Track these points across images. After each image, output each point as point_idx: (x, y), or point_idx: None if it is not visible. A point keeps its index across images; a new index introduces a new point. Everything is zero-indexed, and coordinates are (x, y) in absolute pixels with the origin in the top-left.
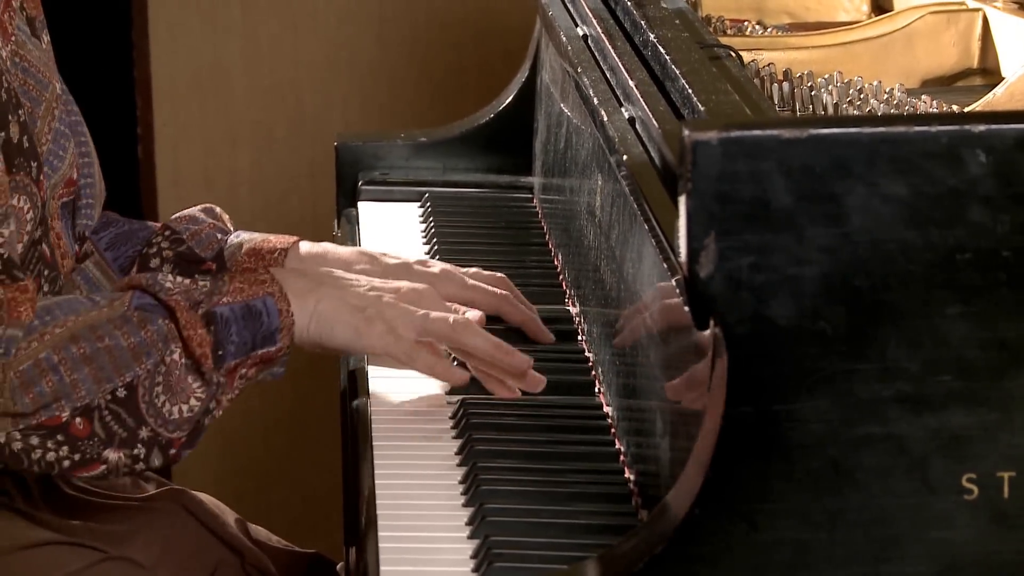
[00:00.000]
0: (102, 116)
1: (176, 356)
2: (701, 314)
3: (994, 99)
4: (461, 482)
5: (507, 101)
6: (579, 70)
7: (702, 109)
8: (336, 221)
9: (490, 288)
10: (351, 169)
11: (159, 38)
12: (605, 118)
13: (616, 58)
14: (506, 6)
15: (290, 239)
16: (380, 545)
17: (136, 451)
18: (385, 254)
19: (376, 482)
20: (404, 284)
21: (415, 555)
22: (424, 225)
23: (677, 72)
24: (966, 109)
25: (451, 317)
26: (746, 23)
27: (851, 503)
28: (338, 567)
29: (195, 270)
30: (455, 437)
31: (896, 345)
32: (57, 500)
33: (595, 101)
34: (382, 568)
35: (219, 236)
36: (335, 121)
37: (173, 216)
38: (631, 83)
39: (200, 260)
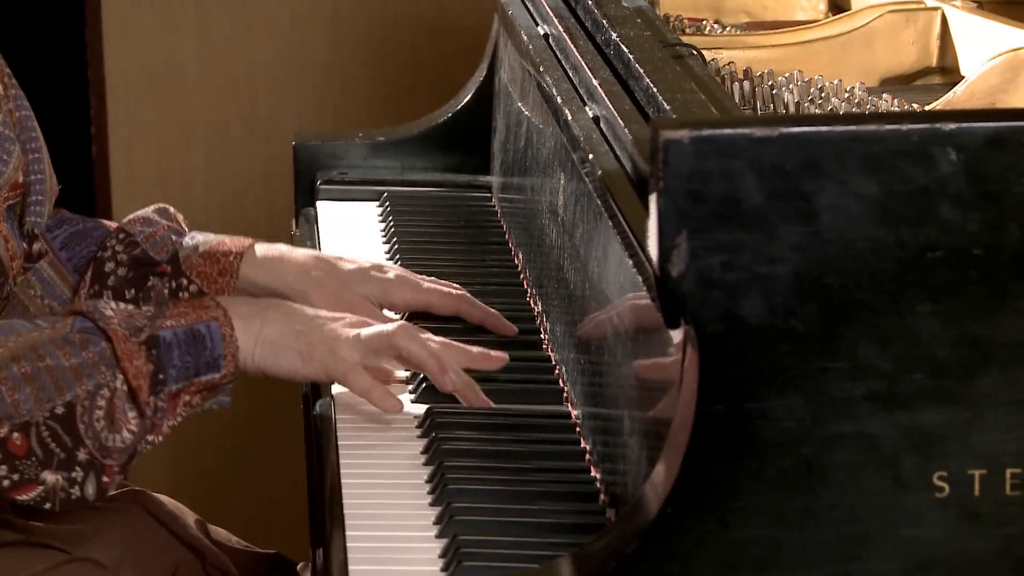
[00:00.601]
0: (56, 115)
1: (119, 383)
2: (672, 313)
3: (955, 97)
4: (427, 481)
5: (465, 100)
6: (541, 69)
7: (668, 108)
8: (294, 220)
9: (446, 289)
10: (309, 169)
11: (113, 38)
12: (569, 117)
13: (579, 57)
14: (460, 5)
15: (246, 241)
16: (348, 545)
17: (74, 474)
18: (341, 258)
19: (342, 482)
20: (349, 315)
21: (383, 555)
22: (383, 224)
23: (641, 71)
24: (927, 107)
25: (387, 328)
26: (704, 22)
27: (822, 501)
28: (299, 567)
29: (150, 272)
30: (420, 436)
31: (867, 343)
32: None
33: (558, 100)
34: (351, 568)
35: (174, 238)
36: (289, 120)
37: (127, 218)
38: (595, 82)
39: (155, 263)
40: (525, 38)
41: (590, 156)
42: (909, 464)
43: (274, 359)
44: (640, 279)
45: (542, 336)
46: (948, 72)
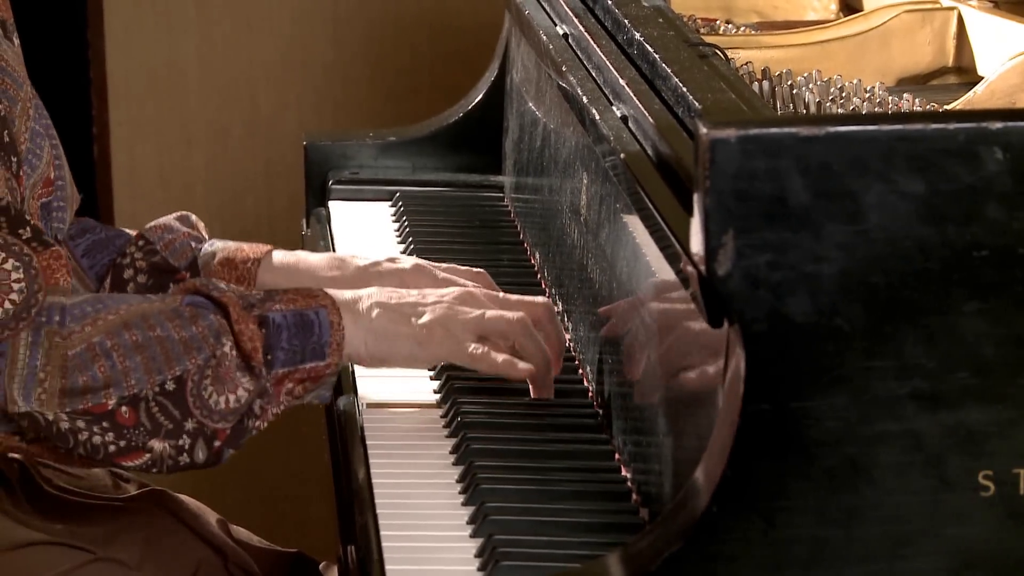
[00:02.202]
0: (58, 115)
1: (227, 349)
2: (717, 312)
3: (975, 97)
4: (459, 481)
5: (476, 101)
6: (564, 69)
7: (699, 107)
8: (305, 220)
9: (464, 281)
10: (320, 169)
11: (115, 38)
12: (597, 116)
13: (603, 57)
14: (461, 6)
15: (263, 248)
16: (383, 545)
17: (181, 441)
18: (355, 256)
19: (373, 481)
20: (449, 290)
21: (419, 554)
22: (397, 224)
23: (668, 71)
24: (947, 107)
25: (508, 314)
26: (717, 22)
27: (867, 500)
28: (321, 567)
29: (169, 280)
30: (448, 436)
31: (913, 342)
32: (40, 501)
33: (584, 100)
34: (388, 568)
35: (193, 245)
36: (290, 120)
37: (148, 225)
38: (622, 82)
39: (174, 270)
40: (545, 38)
41: (622, 155)
42: (954, 463)
43: (389, 348)
44: (679, 279)
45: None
46: (964, 72)
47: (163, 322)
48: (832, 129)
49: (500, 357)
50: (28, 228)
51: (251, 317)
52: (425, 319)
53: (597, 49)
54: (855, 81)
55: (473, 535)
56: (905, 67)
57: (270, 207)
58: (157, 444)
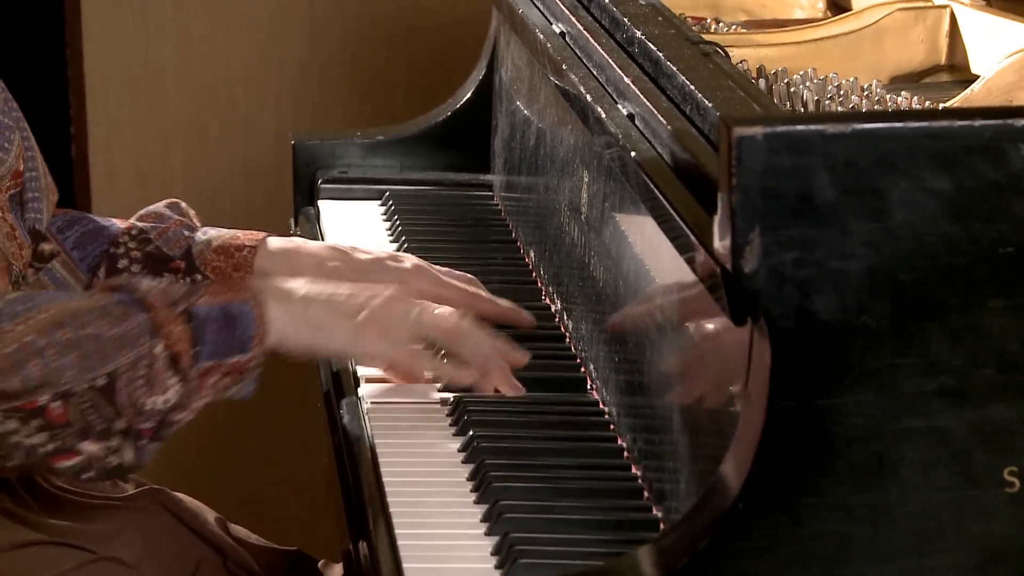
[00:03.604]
0: (35, 115)
1: (158, 350)
2: (741, 309)
3: (972, 95)
4: (469, 479)
5: (464, 99)
6: (564, 68)
7: (709, 105)
8: (293, 219)
9: (463, 286)
10: (307, 168)
11: (92, 37)
12: (603, 115)
13: (604, 55)
14: (437, 5)
15: (259, 235)
16: (399, 544)
17: (112, 443)
18: (356, 249)
19: (383, 480)
20: (384, 287)
21: (434, 552)
22: (389, 223)
23: (674, 68)
24: (943, 105)
25: (449, 317)
26: (707, 20)
27: (893, 497)
28: (320, 564)
29: (164, 268)
30: (456, 435)
31: (939, 339)
32: (41, 501)
33: (588, 98)
34: (405, 567)
35: (186, 233)
36: (267, 120)
37: (139, 213)
38: (627, 80)
39: (168, 259)
40: (542, 37)
41: (632, 154)
42: (979, 459)
43: (323, 338)
44: (697, 276)
45: (564, 333)
46: (957, 69)
47: (94, 320)
48: (858, 126)
49: (438, 365)
50: None
51: (177, 315)
52: (362, 316)
53: (598, 47)
54: (851, 79)
55: (488, 533)
56: (898, 65)
57: (248, 206)
58: (89, 447)
